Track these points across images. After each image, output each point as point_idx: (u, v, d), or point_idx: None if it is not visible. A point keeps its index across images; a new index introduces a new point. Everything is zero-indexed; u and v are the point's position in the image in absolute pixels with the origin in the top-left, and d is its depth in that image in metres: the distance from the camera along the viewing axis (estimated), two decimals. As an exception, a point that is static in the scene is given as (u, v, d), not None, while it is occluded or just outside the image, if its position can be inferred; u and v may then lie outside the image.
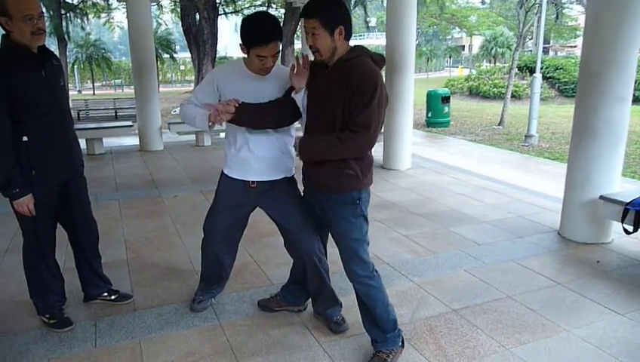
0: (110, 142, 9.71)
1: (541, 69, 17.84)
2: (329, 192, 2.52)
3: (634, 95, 4.29)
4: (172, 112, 17.43)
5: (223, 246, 3.05)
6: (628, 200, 3.92)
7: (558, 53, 34.98)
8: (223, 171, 2.90)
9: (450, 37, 50.26)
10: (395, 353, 2.64)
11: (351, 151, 2.37)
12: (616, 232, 4.31)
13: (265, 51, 2.49)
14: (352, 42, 2.43)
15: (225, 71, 2.79)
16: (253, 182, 2.79)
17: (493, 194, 5.94)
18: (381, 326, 2.64)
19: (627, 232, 3.97)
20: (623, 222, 3.96)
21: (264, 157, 2.74)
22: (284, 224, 2.85)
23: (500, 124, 13.46)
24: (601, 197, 4.16)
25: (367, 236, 2.59)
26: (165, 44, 32.60)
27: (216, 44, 19.04)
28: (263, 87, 2.66)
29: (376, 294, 2.61)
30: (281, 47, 2.54)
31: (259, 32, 2.47)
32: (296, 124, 2.77)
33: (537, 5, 13.49)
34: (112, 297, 3.35)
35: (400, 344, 2.68)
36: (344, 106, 2.30)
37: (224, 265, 3.15)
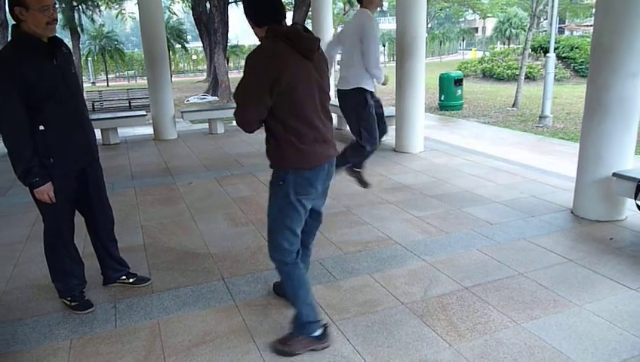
0: (125, 132, 9.84)
1: (556, 49, 17.62)
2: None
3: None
4: (185, 101, 17.53)
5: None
6: (641, 177, 3.90)
7: (574, 33, 34.36)
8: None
9: (463, 19, 49.67)
10: (300, 341, 2.63)
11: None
12: (630, 209, 4.29)
13: None
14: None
15: None
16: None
17: (506, 175, 5.93)
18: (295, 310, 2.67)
19: (640, 208, 3.96)
20: (636, 199, 3.94)
21: None
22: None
23: (513, 106, 13.33)
24: (614, 174, 4.14)
25: (292, 223, 2.53)
26: (177, 34, 32.69)
27: (228, 32, 19.03)
28: None
29: (286, 281, 2.65)
30: None
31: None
32: None
33: (551, -16, 13.25)
34: (131, 280, 3.44)
35: (311, 335, 2.62)
36: None
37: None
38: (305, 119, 2.43)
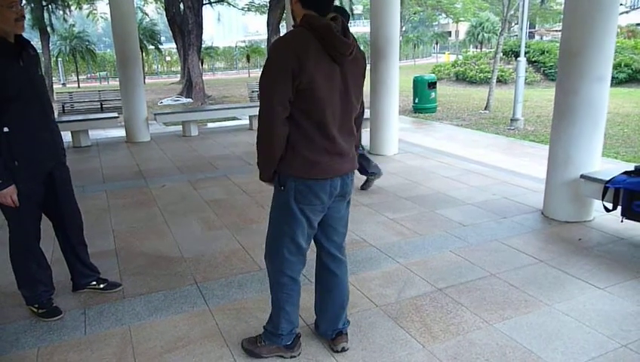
0: (96, 134, 9.68)
1: (526, 53, 17.95)
2: None
3: (615, 77, 4.34)
4: (159, 103, 17.30)
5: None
6: (607, 179, 3.99)
7: (544, 38, 35.10)
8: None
9: (436, 23, 50.31)
10: (268, 347, 2.61)
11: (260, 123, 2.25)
12: (598, 210, 4.39)
13: None
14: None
15: None
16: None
17: (479, 177, 6.01)
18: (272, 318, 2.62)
19: (607, 210, 4.05)
20: (603, 200, 4.04)
21: None
22: None
23: (486, 109, 13.52)
24: (582, 176, 4.24)
25: (292, 233, 2.38)
26: (150, 35, 32.24)
27: (202, 34, 18.84)
28: None
29: (277, 292, 2.53)
30: None
31: None
32: None
33: (521, -11, 13.52)
34: (101, 286, 3.37)
35: (278, 344, 2.60)
36: None
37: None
38: (319, 125, 2.24)
